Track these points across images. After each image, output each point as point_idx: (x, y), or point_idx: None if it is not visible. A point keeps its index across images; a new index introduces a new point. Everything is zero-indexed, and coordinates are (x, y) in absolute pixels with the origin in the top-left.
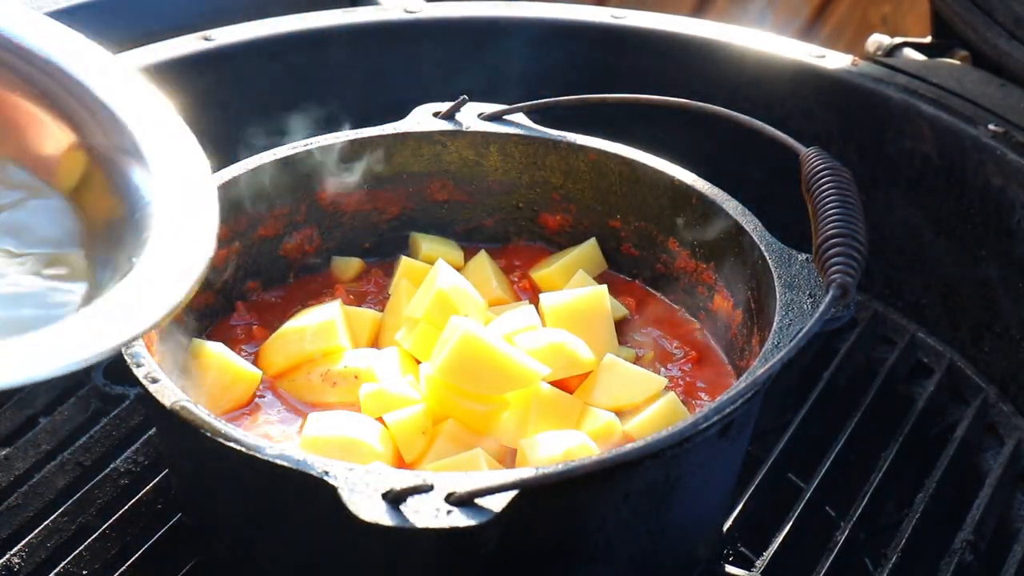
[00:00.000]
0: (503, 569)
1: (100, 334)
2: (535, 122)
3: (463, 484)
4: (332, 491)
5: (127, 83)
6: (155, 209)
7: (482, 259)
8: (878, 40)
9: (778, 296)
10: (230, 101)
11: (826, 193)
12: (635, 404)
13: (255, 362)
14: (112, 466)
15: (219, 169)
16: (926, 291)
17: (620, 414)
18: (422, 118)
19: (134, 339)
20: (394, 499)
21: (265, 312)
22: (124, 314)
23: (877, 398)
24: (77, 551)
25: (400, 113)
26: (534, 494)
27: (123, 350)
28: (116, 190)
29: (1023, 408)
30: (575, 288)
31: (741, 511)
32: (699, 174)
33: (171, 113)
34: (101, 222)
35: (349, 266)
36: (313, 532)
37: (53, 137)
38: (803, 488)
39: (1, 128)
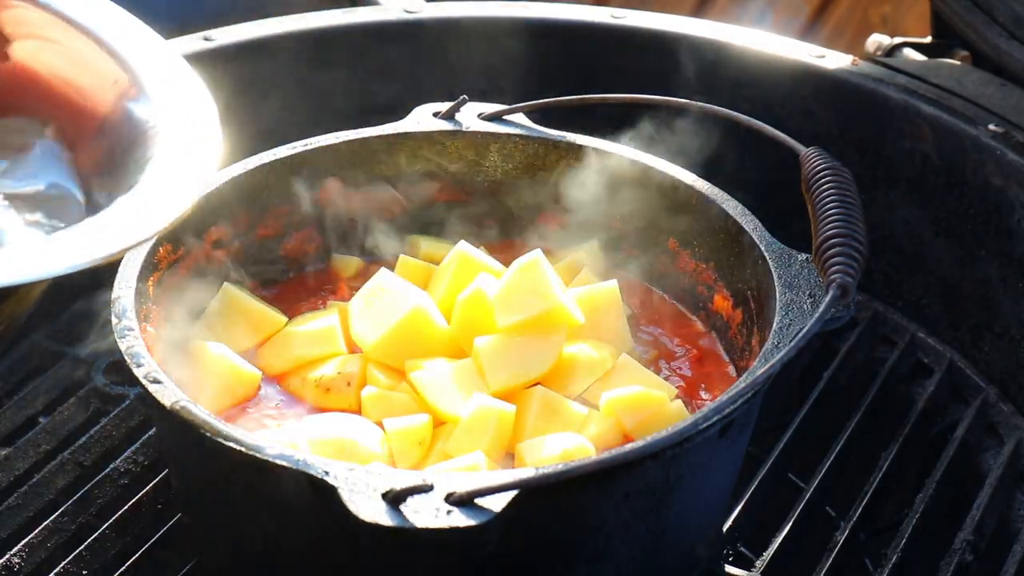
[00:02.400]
0: (503, 569)
1: (103, 240)
2: (535, 122)
3: (463, 484)
4: (332, 491)
5: (121, 20)
6: (157, 132)
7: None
8: (878, 40)
9: (778, 296)
10: (229, 101)
11: (826, 193)
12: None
13: (255, 362)
14: (112, 466)
15: (219, 169)
16: (926, 291)
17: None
18: (422, 118)
19: (137, 245)
20: (394, 499)
21: None
22: (126, 224)
23: (877, 398)
24: (77, 551)
25: (400, 113)
26: (534, 494)
27: (123, 350)
28: (119, 117)
29: (1023, 408)
30: (583, 285)
31: (741, 511)
32: (699, 174)
33: (164, 46)
34: (99, 156)
35: (349, 264)
36: (313, 532)
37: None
38: (803, 488)
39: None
